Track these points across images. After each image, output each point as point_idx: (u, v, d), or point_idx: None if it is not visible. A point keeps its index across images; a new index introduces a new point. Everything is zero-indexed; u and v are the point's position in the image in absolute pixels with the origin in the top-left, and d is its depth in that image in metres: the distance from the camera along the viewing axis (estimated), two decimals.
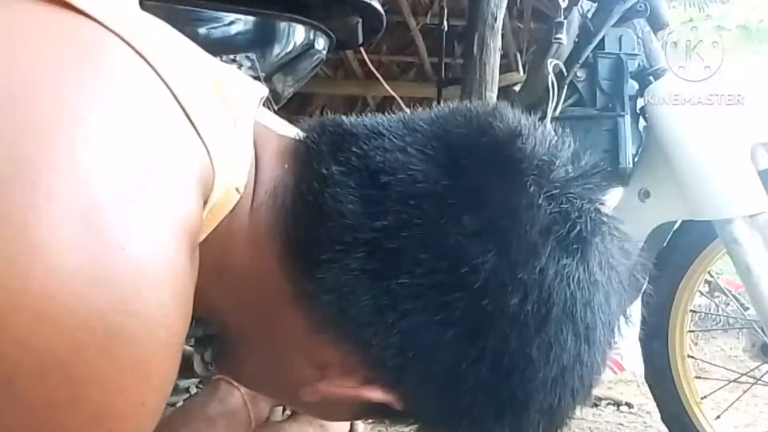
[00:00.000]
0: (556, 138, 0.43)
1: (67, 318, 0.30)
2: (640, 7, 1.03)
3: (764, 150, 1.03)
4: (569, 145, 0.44)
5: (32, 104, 0.31)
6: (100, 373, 0.31)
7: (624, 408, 2.24)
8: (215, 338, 0.49)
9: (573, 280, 0.40)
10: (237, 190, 0.39)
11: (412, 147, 0.41)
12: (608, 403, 2.28)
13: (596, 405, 2.27)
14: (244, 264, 0.42)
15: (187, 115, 0.36)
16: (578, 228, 0.41)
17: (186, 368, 0.97)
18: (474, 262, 0.39)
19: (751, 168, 1.00)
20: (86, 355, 0.30)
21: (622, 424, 2.04)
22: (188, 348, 1.05)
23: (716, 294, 1.94)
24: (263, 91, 0.45)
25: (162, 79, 0.35)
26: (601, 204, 0.43)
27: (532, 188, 0.40)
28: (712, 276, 1.56)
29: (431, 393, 0.43)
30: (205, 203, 0.37)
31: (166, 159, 0.34)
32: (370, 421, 0.52)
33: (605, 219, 0.43)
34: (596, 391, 2.27)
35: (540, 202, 0.40)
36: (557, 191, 0.41)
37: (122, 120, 0.33)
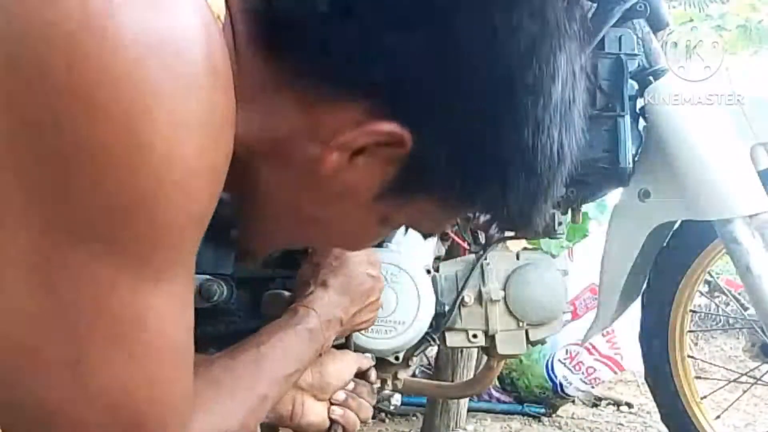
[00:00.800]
0: None
1: (128, 35, 0.37)
2: (640, 7, 1.03)
3: (764, 150, 1.03)
4: None
5: None
6: (165, 87, 0.39)
7: (624, 408, 2.24)
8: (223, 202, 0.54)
9: None
10: (218, 18, 0.45)
11: None
12: (608, 403, 2.29)
13: (596, 405, 2.28)
14: (238, 88, 0.46)
15: None
16: None
17: None
18: None
19: (751, 168, 1.00)
20: (150, 70, 0.38)
21: (622, 424, 2.04)
22: None
23: (716, 294, 1.94)
24: None
25: None
26: None
27: None
28: (712, 276, 1.56)
29: (429, 109, 0.47)
30: None
31: None
32: (395, 200, 0.53)
33: None
34: (596, 391, 2.27)
35: None
36: None
37: None
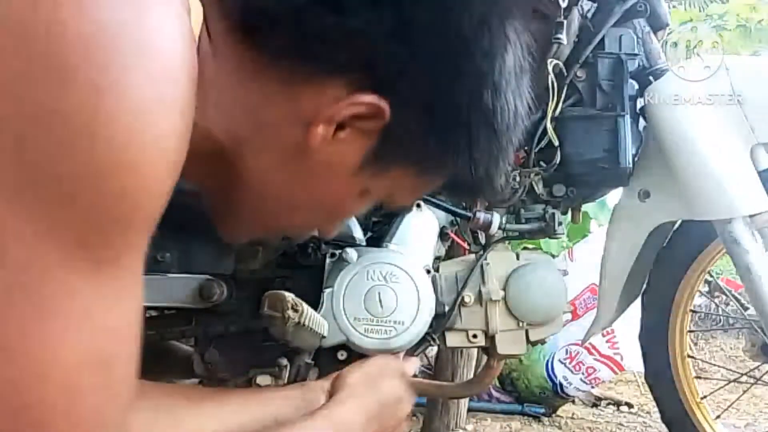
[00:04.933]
0: None
1: (105, 10, 0.38)
2: (640, 7, 1.03)
3: (764, 150, 1.02)
4: None
5: None
6: (137, 67, 0.39)
7: (624, 408, 2.24)
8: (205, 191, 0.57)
9: None
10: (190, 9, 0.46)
11: None
12: (608, 403, 2.29)
13: (596, 405, 2.28)
14: (218, 79, 0.50)
15: None
16: None
17: (186, 368, 0.97)
18: None
19: (751, 168, 1.00)
20: (125, 47, 0.39)
21: (622, 424, 2.04)
22: (188, 348, 1.04)
23: (716, 294, 1.94)
24: None
25: None
26: None
27: None
28: (712, 276, 1.56)
29: (401, 79, 0.51)
30: None
31: None
32: (376, 169, 0.57)
33: None
34: (596, 391, 2.27)
35: None
36: None
37: None
